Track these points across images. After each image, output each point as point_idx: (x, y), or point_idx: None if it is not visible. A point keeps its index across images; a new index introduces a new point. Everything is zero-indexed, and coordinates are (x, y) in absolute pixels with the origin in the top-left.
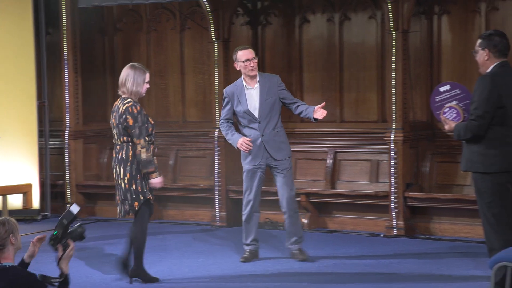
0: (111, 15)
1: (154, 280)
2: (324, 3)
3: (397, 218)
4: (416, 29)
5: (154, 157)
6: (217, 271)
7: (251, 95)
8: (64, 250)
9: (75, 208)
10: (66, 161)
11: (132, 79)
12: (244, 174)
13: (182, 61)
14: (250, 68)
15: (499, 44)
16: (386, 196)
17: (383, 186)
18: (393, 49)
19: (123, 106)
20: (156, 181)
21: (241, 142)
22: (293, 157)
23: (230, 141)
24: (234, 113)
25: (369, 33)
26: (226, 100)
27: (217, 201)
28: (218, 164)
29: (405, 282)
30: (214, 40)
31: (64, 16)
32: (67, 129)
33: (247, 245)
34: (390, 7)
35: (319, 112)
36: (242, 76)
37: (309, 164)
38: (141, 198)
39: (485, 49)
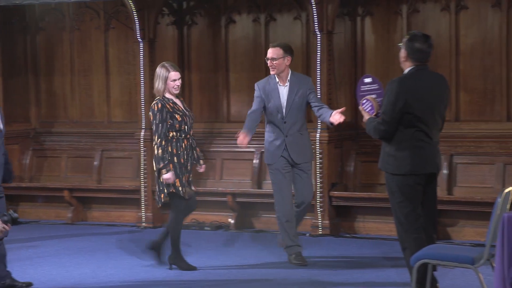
0: (33, 14)
1: (192, 268)
2: (249, 3)
3: (323, 217)
4: (340, 30)
5: (194, 151)
6: (142, 272)
7: (282, 92)
8: None
9: None
10: None
11: (157, 78)
12: (270, 174)
13: (107, 61)
14: (269, 66)
15: (416, 52)
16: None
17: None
18: (318, 49)
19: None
20: (166, 176)
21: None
22: (220, 158)
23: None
24: (264, 108)
25: (294, 33)
26: (257, 93)
27: (143, 202)
28: (144, 165)
29: (330, 280)
30: (140, 40)
31: None
32: None
33: (297, 246)
34: (314, 8)
35: (337, 116)
36: None
37: (236, 164)
38: (165, 190)
39: (405, 51)
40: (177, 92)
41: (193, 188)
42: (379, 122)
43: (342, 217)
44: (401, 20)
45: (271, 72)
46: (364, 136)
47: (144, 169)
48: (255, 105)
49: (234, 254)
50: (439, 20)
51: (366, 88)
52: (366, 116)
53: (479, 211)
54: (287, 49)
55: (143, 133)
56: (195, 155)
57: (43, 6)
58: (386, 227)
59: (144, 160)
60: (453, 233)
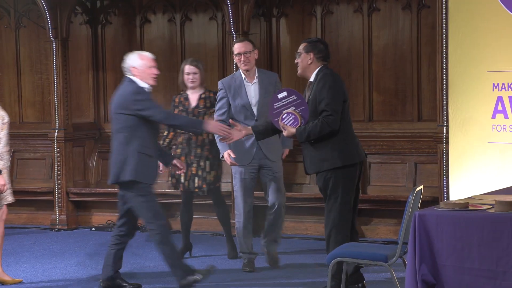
0: None
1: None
2: (164, 3)
3: (233, 216)
4: (256, 31)
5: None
6: (56, 275)
7: (250, 90)
8: None
9: None
10: None
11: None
12: (234, 177)
13: (18, 60)
14: (242, 62)
15: (323, 50)
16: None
17: (225, 186)
18: None
19: None
20: None
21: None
22: None
23: (219, 146)
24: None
25: (210, 34)
26: (222, 92)
27: (57, 204)
28: (58, 166)
29: (249, 279)
30: (52, 39)
31: None
32: None
33: (253, 253)
34: (230, 9)
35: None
36: (240, 69)
37: None
38: None
39: (310, 53)
40: (191, 85)
41: (195, 184)
42: (326, 115)
43: (259, 217)
44: (315, 21)
45: (244, 68)
46: None
47: (58, 170)
48: (221, 107)
49: (152, 255)
50: (352, 22)
51: (281, 104)
52: (291, 130)
53: (392, 209)
54: (253, 43)
55: (56, 133)
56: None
57: None
58: (302, 226)
59: (58, 161)
60: (367, 231)
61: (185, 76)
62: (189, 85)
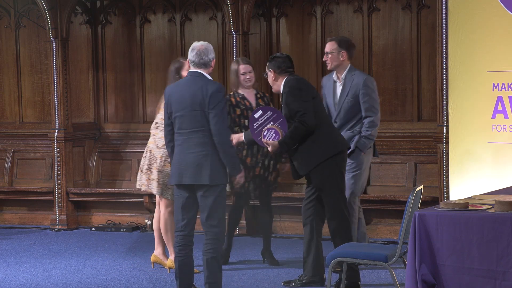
0: None
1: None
2: (164, 3)
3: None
4: (256, 31)
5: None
6: (56, 275)
7: (337, 90)
8: None
9: None
10: None
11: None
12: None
13: (18, 60)
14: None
15: (282, 64)
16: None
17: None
18: (234, 50)
19: None
20: None
21: None
22: (136, 158)
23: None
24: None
25: (210, 34)
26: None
27: (57, 204)
28: (58, 166)
29: (248, 279)
30: (52, 39)
31: None
32: None
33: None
34: (230, 9)
35: None
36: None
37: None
38: None
39: (271, 70)
40: (248, 84)
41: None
42: (300, 115)
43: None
44: (315, 21)
45: (328, 67)
46: None
47: (58, 170)
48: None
49: (151, 255)
50: (352, 22)
51: (260, 123)
52: (274, 143)
53: (392, 209)
54: (340, 43)
55: (56, 133)
56: None
57: None
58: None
59: (58, 161)
60: (367, 231)
61: (241, 77)
62: (246, 84)
